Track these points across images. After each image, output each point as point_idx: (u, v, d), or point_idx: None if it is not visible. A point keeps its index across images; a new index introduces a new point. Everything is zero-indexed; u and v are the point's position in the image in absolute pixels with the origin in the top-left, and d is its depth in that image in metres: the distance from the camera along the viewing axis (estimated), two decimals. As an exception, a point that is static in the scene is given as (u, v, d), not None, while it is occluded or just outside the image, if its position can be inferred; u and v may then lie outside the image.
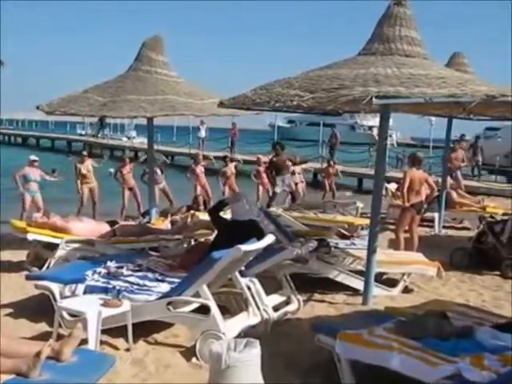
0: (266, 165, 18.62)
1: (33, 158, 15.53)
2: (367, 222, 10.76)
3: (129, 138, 51.06)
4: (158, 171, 16.44)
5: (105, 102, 9.84)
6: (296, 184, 18.62)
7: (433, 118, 26.10)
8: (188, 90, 10.55)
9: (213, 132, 42.56)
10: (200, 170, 18.49)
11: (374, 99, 6.56)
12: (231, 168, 19.19)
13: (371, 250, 8.17)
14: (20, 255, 10.40)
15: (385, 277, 9.19)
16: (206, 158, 20.75)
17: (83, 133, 59.81)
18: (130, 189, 16.90)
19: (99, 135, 53.82)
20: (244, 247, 6.14)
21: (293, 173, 18.72)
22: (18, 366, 4.35)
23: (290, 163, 17.89)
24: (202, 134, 37.89)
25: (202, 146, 36.68)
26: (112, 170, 17.44)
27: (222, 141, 39.41)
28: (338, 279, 8.61)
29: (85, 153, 17.34)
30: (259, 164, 19.43)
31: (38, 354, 4.35)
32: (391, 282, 8.99)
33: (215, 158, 22.33)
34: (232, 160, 20.30)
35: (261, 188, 19.20)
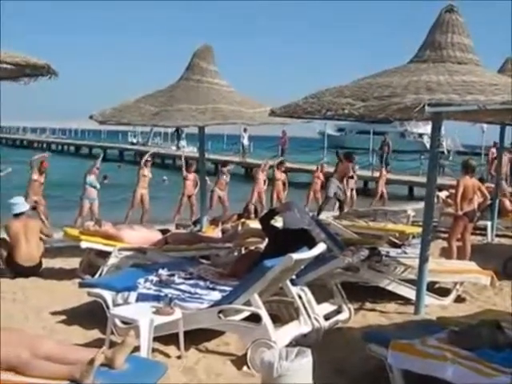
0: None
1: (97, 165, 15.89)
2: (418, 230, 10.65)
3: (178, 147, 51.43)
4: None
5: (157, 111, 9.94)
6: (351, 190, 18.76)
7: (485, 126, 25.78)
8: (239, 98, 10.60)
9: (262, 140, 42.66)
10: (262, 177, 18.69)
11: (426, 107, 6.49)
12: (280, 176, 19.29)
13: (423, 259, 8.08)
14: (73, 263, 10.55)
15: (437, 286, 9.08)
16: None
17: (134, 141, 60.47)
18: (189, 196, 17.13)
19: (149, 143, 54.45)
20: (295, 256, 6.13)
21: (351, 177, 18.92)
22: (71, 373, 4.41)
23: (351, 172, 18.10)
24: (245, 141, 38.02)
25: (245, 154, 36.85)
26: (165, 178, 17.72)
27: (272, 149, 39.46)
28: (390, 288, 8.53)
29: (149, 158, 17.58)
30: (321, 170, 19.70)
31: (91, 361, 4.41)
32: (443, 292, 8.88)
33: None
34: (280, 164, 20.38)
35: (311, 194, 19.31)
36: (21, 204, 10.34)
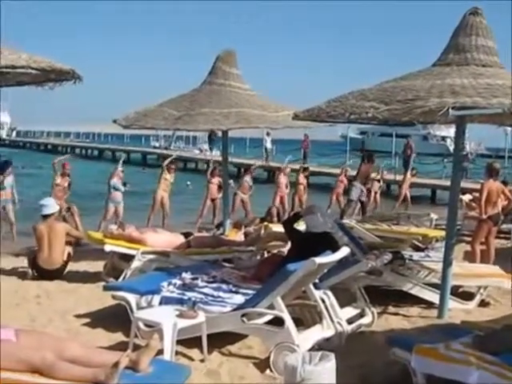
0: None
1: (119, 168, 15.98)
2: (442, 233, 10.59)
3: (201, 151, 51.57)
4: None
5: (180, 115, 9.99)
6: (376, 193, 18.73)
7: (508, 128, 25.62)
8: (261, 102, 10.63)
9: (284, 144, 42.62)
10: (284, 180, 18.70)
11: (450, 110, 6.47)
12: (302, 180, 19.31)
13: (447, 263, 8.04)
14: (96, 266, 10.61)
15: (460, 290, 9.01)
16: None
17: (157, 145, 60.69)
18: (213, 200, 17.19)
19: (171, 147, 54.69)
20: (319, 259, 6.12)
21: (378, 181, 18.90)
22: (96, 376, 4.44)
23: (373, 174, 18.08)
24: (268, 145, 38.02)
25: (268, 157, 36.86)
26: (189, 183, 17.78)
27: (294, 152, 39.42)
28: (413, 292, 8.49)
29: (173, 166, 17.64)
30: (345, 174, 19.69)
31: (116, 364, 4.43)
32: (467, 296, 8.82)
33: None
34: (304, 171, 20.37)
35: (334, 197, 19.30)
36: (49, 206, 10.42)
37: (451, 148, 46.07)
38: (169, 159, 17.73)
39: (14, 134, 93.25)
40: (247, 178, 18.17)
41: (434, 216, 14.41)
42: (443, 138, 66.70)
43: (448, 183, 8.81)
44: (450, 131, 52.40)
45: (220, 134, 41.93)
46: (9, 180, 15.12)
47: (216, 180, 17.26)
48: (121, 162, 16.78)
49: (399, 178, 25.14)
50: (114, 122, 10.39)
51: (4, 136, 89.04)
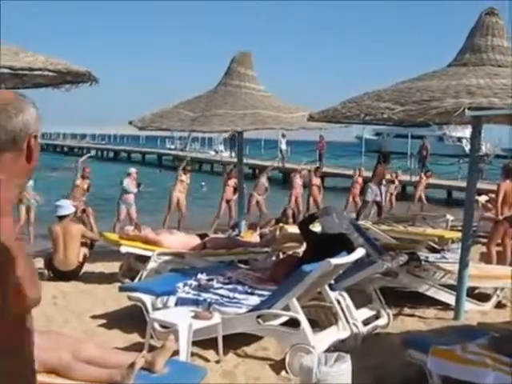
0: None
1: (132, 170, 16.04)
2: (458, 235, 10.55)
3: (216, 152, 51.64)
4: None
5: (195, 116, 10.02)
6: (391, 194, 18.70)
7: (525, 129, 25.43)
8: (277, 103, 10.64)
9: (299, 145, 42.60)
10: (299, 181, 18.69)
11: (466, 111, 6.44)
12: (316, 181, 19.28)
13: (463, 264, 8.00)
14: (112, 267, 10.65)
15: (477, 291, 8.98)
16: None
17: (172, 147, 60.83)
18: (228, 201, 17.22)
19: (187, 149, 54.86)
20: (334, 261, 6.12)
21: (392, 182, 18.85)
22: (112, 376, 4.46)
23: (387, 176, 18.07)
24: (283, 146, 38.01)
25: (283, 159, 36.84)
26: (203, 184, 17.79)
27: (309, 154, 39.39)
28: (429, 293, 8.46)
29: (189, 167, 17.68)
30: (359, 175, 19.64)
31: (131, 365, 4.45)
32: (483, 297, 8.78)
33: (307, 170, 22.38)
34: (316, 171, 20.33)
35: (350, 199, 19.26)
36: (65, 207, 10.48)
37: (467, 149, 45.88)
38: (183, 164, 17.77)
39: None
40: (263, 180, 18.17)
41: (449, 217, 14.35)
42: (459, 139, 66.30)
43: (464, 184, 8.76)
44: (466, 132, 52.06)
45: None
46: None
47: (232, 182, 17.28)
48: (132, 169, 16.67)
49: (415, 179, 25.05)
50: (130, 123, 10.43)
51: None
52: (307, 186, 19.33)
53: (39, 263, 10.68)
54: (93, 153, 64.89)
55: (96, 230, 12.52)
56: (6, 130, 1.85)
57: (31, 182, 15.20)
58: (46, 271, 10.23)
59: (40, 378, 4.48)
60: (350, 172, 22.83)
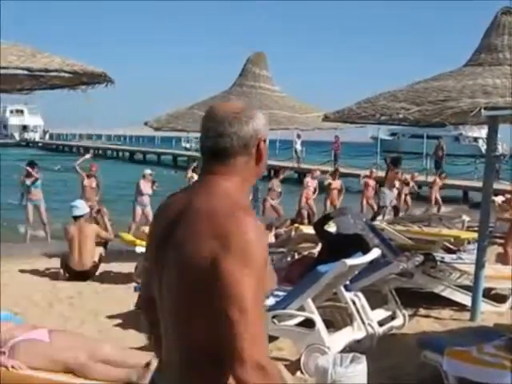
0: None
1: (147, 171, 16.11)
2: (474, 235, 10.50)
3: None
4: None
5: (210, 117, 10.03)
6: (406, 195, 18.60)
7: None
8: (291, 104, 10.63)
9: (314, 145, 42.56)
10: (312, 184, 18.60)
11: (482, 111, 6.40)
12: (336, 184, 19.18)
13: (479, 265, 7.96)
14: (128, 267, 10.68)
15: (493, 292, 8.93)
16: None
17: (188, 147, 60.92)
18: None
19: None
20: (350, 261, 6.11)
21: (407, 184, 18.75)
22: (128, 376, 4.49)
23: (398, 181, 17.95)
24: (298, 147, 37.97)
25: (298, 159, 36.84)
26: None
27: (324, 154, 39.38)
28: (444, 294, 8.41)
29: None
30: (370, 177, 19.47)
31: (147, 365, 4.47)
32: (500, 298, 8.73)
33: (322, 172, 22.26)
34: (334, 173, 20.23)
35: (364, 201, 19.14)
36: (80, 207, 10.55)
37: (483, 149, 45.66)
38: (194, 163, 17.80)
39: (47, 136, 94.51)
40: (276, 183, 18.03)
41: (465, 218, 14.29)
42: (475, 139, 66.02)
43: (480, 184, 8.72)
44: (482, 132, 51.83)
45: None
46: (40, 180, 15.43)
47: None
48: (147, 170, 16.68)
49: (430, 179, 24.94)
50: (146, 124, 10.48)
51: (38, 139, 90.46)
52: (324, 187, 19.24)
53: (56, 263, 10.76)
54: (108, 153, 65.27)
55: (110, 229, 12.60)
56: (239, 136, 2.12)
57: (38, 182, 15.34)
58: (61, 271, 10.29)
59: (57, 377, 4.52)
60: (362, 172, 22.72)
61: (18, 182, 15.94)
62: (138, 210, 15.61)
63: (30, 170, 15.26)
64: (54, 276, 10.39)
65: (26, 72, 4.83)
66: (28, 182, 15.26)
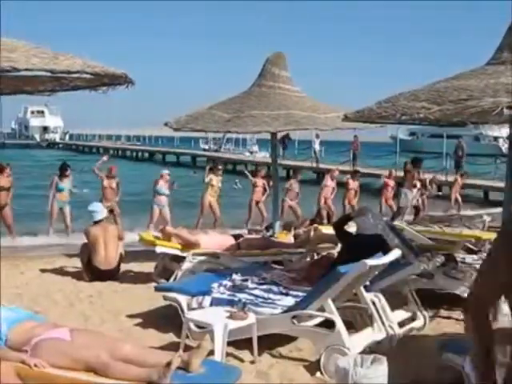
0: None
1: (164, 172, 16.18)
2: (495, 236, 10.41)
3: (251, 153, 51.76)
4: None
5: (229, 117, 10.04)
6: (422, 195, 18.52)
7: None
8: (311, 104, 10.60)
9: (333, 145, 42.45)
10: (331, 184, 18.57)
11: (505, 110, 6.34)
12: (353, 185, 19.12)
13: (501, 266, 7.88)
14: (147, 267, 10.72)
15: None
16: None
17: (206, 147, 61.06)
18: (257, 202, 17.24)
19: (222, 149, 55.18)
20: (370, 262, 6.09)
21: (423, 185, 18.65)
22: (149, 375, 4.51)
23: (416, 181, 17.85)
24: (317, 147, 37.93)
25: (317, 160, 36.81)
26: (237, 181, 17.80)
27: (343, 154, 39.27)
28: (466, 295, 8.34)
29: (220, 167, 17.78)
30: (389, 177, 19.38)
31: (168, 364, 4.48)
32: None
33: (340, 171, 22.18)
34: (354, 174, 20.14)
35: (383, 201, 19.06)
36: (99, 211, 10.63)
37: (503, 148, 45.26)
38: (210, 163, 17.84)
39: (67, 137, 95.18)
40: (294, 184, 18.02)
41: (486, 218, 14.17)
42: (495, 139, 65.51)
43: (500, 184, 8.64)
44: (502, 131, 51.40)
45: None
46: (66, 182, 15.56)
47: (261, 182, 17.32)
48: (164, 170, 16.74)
49: (450, 179, 24.80)
50: (166, 124, 10.50)
51: (58, 139, 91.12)
52: (342, 184, 19.20)
53: (76, 262, 10.81)
54: (128, 154, 65.50)
55: (121, 229, 12.68)
56: None
57: (68, 184, 15.47)
58: (84, 272, 10.34)
59: (79, 376, 4.55)
60: (381, 172, 22.60)
61: (48, 184, 16.01)
62: (156, 209, 15.69)
63: (64, 171, 15.51)
64: (75, 275, 10.45)
65: (48, 74, 4.87)
66: (61, 184, 15.44)
